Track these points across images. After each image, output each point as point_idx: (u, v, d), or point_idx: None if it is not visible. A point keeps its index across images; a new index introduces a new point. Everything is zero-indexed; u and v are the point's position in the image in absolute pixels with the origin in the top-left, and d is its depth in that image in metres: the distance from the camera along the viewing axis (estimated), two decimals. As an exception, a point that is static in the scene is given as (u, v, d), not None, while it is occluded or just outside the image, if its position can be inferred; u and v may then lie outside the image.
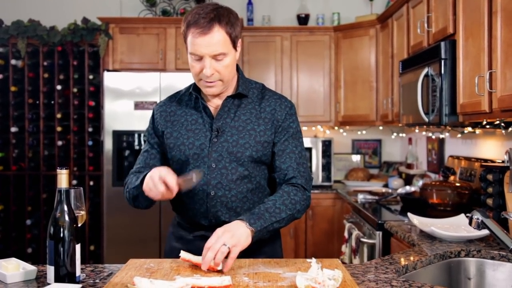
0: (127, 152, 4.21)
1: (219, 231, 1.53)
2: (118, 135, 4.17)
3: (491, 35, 2.13)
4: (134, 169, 1.84)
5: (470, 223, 1.67)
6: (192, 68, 1.68)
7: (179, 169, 1.75)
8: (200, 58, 1.64)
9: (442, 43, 2.60)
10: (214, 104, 1.78)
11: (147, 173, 1.61)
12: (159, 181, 1.53)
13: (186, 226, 1.82)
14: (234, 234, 1.51)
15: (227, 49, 1.64)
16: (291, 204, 1.68)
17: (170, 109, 1.83)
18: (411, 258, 1.83)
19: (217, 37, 1.61)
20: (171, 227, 1.92)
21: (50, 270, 1.41)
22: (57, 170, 1.42)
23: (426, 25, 2.98)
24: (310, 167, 4.47)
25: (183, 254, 1.57)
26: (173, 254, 1.77)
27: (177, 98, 1.85)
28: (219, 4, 1.70)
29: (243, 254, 1.60)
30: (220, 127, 1.73)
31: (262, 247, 1.76)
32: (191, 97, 1.81)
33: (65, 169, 1.42)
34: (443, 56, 2.59)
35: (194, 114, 1.78)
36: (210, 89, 1.70)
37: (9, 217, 4.50)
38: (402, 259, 1.81)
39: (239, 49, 1.72)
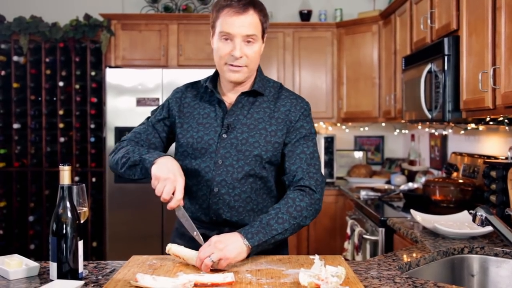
0: (129, 149, 4.20)
1: (213, 238, 1.49)
2: (120, 132, 4.16)
3: (495, 31, 2.12)
4: (130, 135, 1.78)
5: (473, 220, 1.66)
6: (218, 51, 1.65)
7: (184, 161, 1.73)
8: (231, 39, 1.62)
9: (446, 39, 2.58)
10: (229, 99, 1.75)
11: (160, 156, 1.58)
12: (169, 193, 1.52)
13: None
14: (226, 247, 1.46)
15: (258, 34, 1.64)
16: (296, 212, 1.60)
17: (185, 100, 1.80)
18: (414, 255, 1.83)
19: (252, 19, 1.62)
20: (176, 223, 1.90)
21: (53, 267, 1.41)
22: (60, 166, 1.42)
23: (429, 21, 2.96)
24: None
25: (173, 248, 1.55)
26: None
27: (194, 88, 1.82)
28: None
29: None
30: (231, 123, 1.70)
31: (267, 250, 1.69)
32: (207, 90, 1.76)
33: (67, 165, 1.42)
34: (446, 52, 2.58)
35: (207, 108, 1.75)
36: (234, 74, 1.66)
37: (11, 214, 4.51)
38: (405, 256, 1.80)
39: (263, 44, 1.71)
